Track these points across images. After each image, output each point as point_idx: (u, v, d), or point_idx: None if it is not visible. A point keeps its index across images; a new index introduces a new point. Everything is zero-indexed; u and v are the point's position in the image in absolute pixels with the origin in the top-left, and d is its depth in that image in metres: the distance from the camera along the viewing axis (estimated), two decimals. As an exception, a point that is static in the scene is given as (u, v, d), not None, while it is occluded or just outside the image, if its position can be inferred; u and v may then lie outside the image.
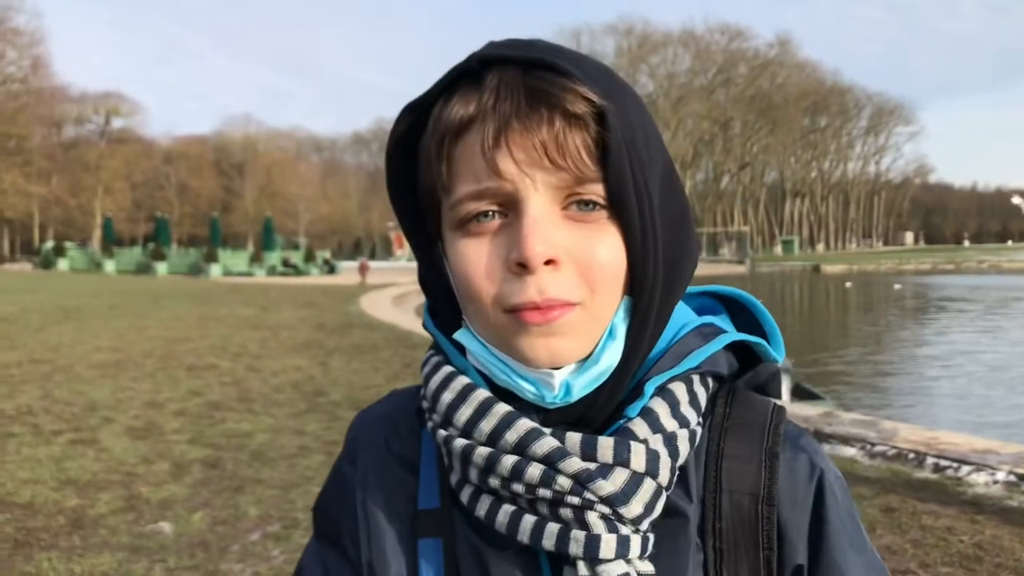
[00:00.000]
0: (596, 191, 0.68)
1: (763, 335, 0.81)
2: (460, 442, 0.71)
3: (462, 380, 0.73)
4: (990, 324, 22.72)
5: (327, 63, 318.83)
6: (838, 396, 11.25)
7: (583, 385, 0.69)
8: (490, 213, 0.68)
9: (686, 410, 0.73)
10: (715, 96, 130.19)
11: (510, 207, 0.68)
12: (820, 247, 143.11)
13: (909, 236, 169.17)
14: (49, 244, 60.00)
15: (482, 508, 0.71)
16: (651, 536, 0.69)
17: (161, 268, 52.32)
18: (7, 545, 4.59)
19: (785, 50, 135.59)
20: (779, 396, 0.82)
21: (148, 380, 10.00)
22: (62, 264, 53.82)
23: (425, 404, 0.77)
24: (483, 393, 0.72)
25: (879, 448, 6.12)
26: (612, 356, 0.70)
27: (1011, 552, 4.29)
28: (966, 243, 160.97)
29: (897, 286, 42.75)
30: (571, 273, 0.67)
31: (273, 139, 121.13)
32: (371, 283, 36.32)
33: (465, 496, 0.73)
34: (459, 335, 0.74)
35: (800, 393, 9.93)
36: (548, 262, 0.66)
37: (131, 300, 24.49)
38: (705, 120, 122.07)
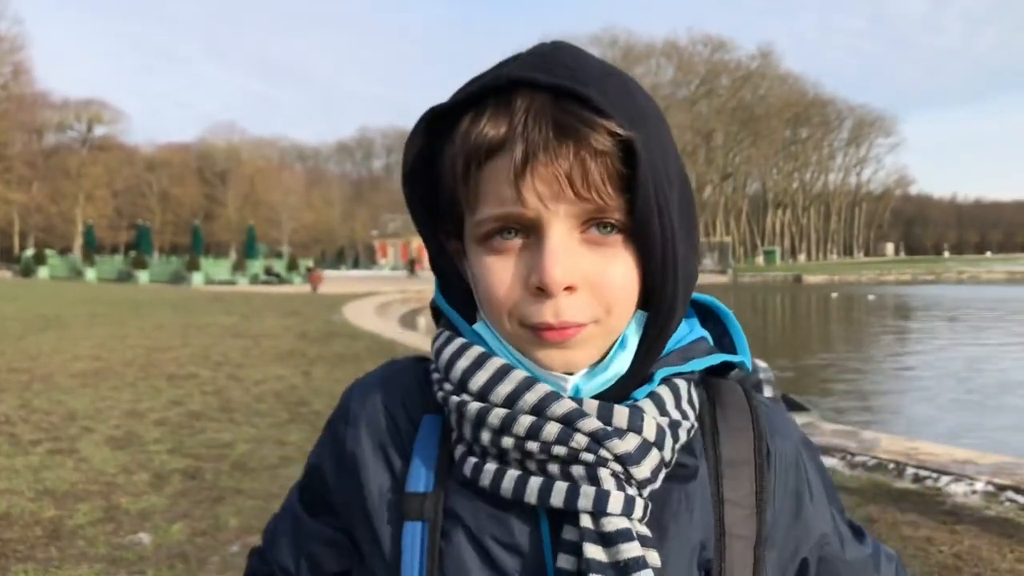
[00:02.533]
0: (615, 216, 0.71)
1: (731, 342, 0.87)
2: (475, 405, 0.74)
3: (477, 349, 0.77)
4: (970, 333, 22.88)
5: (312, 72, 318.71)
6: (818, 405, 11.29)
7: (592, 388, 0.74)
8: (512, 232, 0.72)
9: (686, 406, 0.78)
10: (697, 107, 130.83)
11: (531, 230, 0.71)
12: (802, 257, 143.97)
13: (890, 247, 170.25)
14: (29, 252, 59.55)
15: (486, 478, 0.74)
16: (650, 504, 0.73)
17: (142, 276, 52.01)
18: (-17, 557, 4.54)
19: (767, 62, 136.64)
20: None
21: (128, 389, 9.92)
22: (42, 272, 53.36)
23: (436, 375, 0.80)
24: (499, 360, 0.75)
25: (860, 458, 6.15)
26: (621, 364, 0.75)
27: (989, 562, 4.31)
28: (946, 254, 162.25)
29: (871, 297, 43.54)
30: (586, 296, 0.71)
31: (257, 147, 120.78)
32: (350, 292, 36.18)
33: (468, 469, 0.75)
34: (479, 327, 0.78)
35: (785, 404, 9.97)
36: (566, 288, 0.70)
37: (112, 308, 24.31)
38: (688, 131, 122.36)
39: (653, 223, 0.70)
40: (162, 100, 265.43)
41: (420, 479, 0.79)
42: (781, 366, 14.77)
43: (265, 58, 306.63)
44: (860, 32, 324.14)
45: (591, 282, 0.71)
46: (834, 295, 46.45)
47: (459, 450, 0.77)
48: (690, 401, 0.79)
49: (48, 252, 60.01)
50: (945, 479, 5.59)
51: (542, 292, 0.70)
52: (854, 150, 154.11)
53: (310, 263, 64.85)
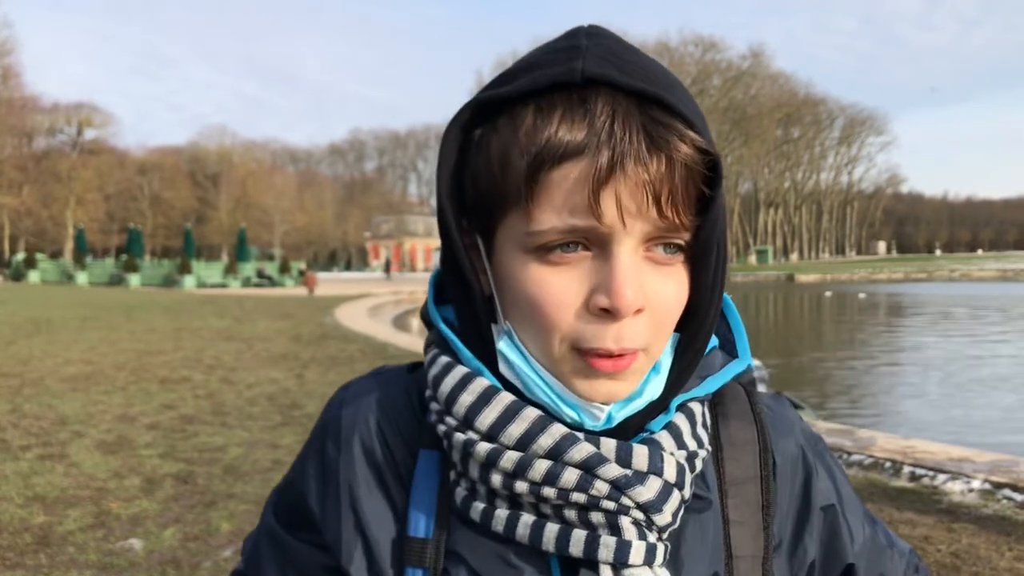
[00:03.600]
0: (685, 237, 0.66)
1: (728, 331, 0.83)
2: (484, 446, 0.68)
3: (482, 382, 0.70)
4: (964, 330, 22.94)
5: (303, 74, 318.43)
6: (812, 404, 11.30)
7: (624, 415, 0.69)
8: (574, 245, 0.65)
9: (700, 431, 0.74)
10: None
11: (596, 243, 0.65)
12: (794, 256, 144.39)
13: (882, 245, 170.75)
14: (20, 256, 59.27)
15: (499, 523, 0.69)
16: (668, 545, 0.69)
17: (134, 280, 51.77)
18: (-28, 564, 4.49)
19: (759, 61, 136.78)
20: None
21: (120, 393, 9.85)
22: (33, 276, 53.10)
23: (436, 407, 0.73)
24: (508, 396, 0.69)
25: (856, 457, 6.13)
26: (655, 390, 0.70)
27: (987, 561, 4.30)
28: (938, 252, 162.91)
29: (862, 295, 43.94)
30: (644, 319, 0.66)
31: (248, 150, 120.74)
32: (341, 294, 36.12)
33: (476, 513, 0.70)
34: (504, 346, 0.70)
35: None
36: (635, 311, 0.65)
37: (103, 312, 24.20)
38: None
39: (713, 246, 0.67)
40: (153, 103, 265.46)
41: (420, 524, 0.73)
42: (775, 364, 14.77)
43: (256, 60, 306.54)
44: (852, 31, 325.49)
45: (652, 303, 0.66)
46: (828, 294, 46.66)
47: (461, 489, 0.72)
48: (704, 424, 0.76)
49: (39, 256, 59.65)
50: (942, 477, 5.58)
51: (606, 314, 0.64)
52: (845, 149, 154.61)
53: (302, 266, 64.72)
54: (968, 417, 10.85)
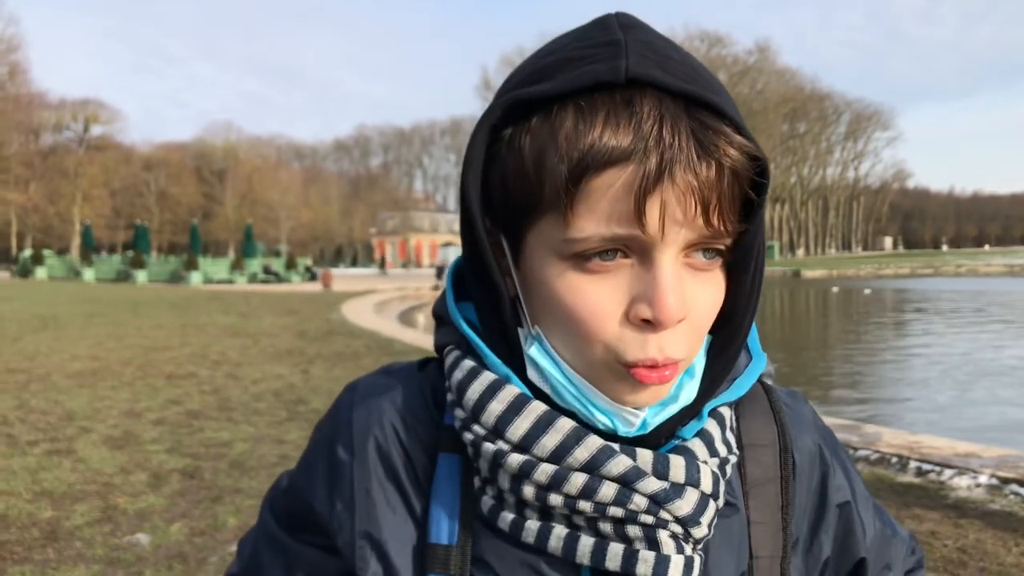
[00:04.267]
0: (727, 242, 0.64)
1: None
2: (517, 458, 0.66)
3: (512, 389, 0.68)
4: (968, 325, 22.86)
5: (309, 70, 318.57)
6: (817, 399, 11.28)
7: (658, 421, 0.68)
8: (613, 252, 0.62)
9: (729, 435, 0.73)
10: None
11: (636, 251, 0.62)
12: (800, 252, 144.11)
13: (888, 241, 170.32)
14: (27, 252, 59.46)
15: (530, 535, 0.68)
16: (703, 556, 0.69)
17: (141, 276, 51.93)
18: (-20, 559, 4.50)
19: (764, 57, 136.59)
20: None
21: (126, 389, 9.88)
22: (40, 272, 53.31)
23: (460, 413, 0.70)
24: (540, 405, 0.67)
25: (862, 452, 6.12)
26: (689, 394, 0.69)
27: (995, 556, 4.28)
28: (944, 247, 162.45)
29: (867, 291, 43.84)
30: (686, 327, 0.64)
31: (254, 146, 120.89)
32: (354, 290, 36.15)
33: (504, 523, 0.69)
34: (534, 352, 0.68)
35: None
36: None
37: (110, 308, 24.25)
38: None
39: (755, 252, 0.66)
40: (159, 100, 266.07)
41: (443, 530, 0.71)
42: (781, 360, 14.75)
43: (261, 57, 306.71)
44: (857, 27, 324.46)
45: (692, 311, 0.63)
46: (834, 289, 46.57)
47: (488, 497, 0.70)
48: (731, 427, 0.74)
49: (46, 252, 59.93)
50: (948, 472, 5.56)
51: (647, 324, 0.62)
52: (852, 144, 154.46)
53: (308, 261, 64.96)
54: (975, 412, 10.81)
